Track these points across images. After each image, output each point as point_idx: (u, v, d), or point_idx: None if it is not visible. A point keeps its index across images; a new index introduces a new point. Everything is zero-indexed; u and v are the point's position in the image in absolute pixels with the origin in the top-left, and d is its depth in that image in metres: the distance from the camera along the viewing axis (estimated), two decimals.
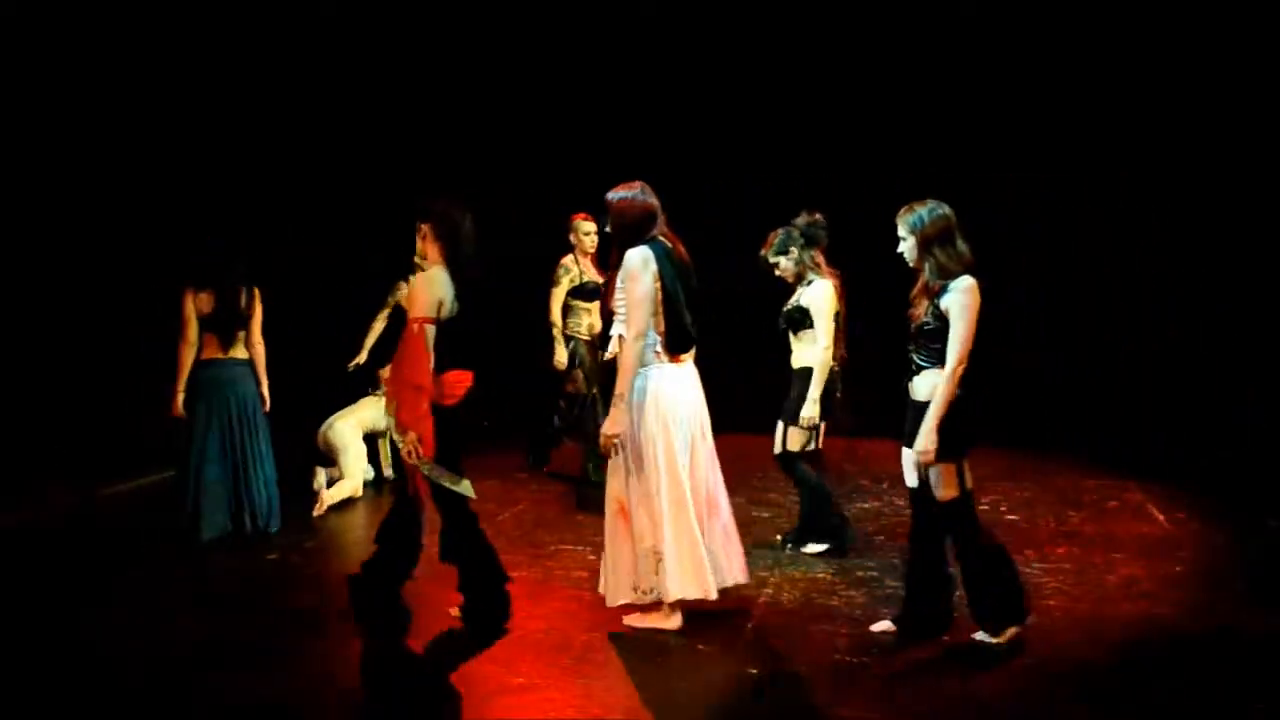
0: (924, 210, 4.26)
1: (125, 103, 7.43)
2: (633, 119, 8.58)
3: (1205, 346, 7.99)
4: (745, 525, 6.03)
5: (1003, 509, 6.56)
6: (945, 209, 4.28)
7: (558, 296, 6.87)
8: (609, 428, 4.32)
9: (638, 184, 4.43)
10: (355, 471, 6.78)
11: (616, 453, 4.37)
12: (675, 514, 4.31)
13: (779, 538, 5.76)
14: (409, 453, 4.28)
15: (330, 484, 6.77)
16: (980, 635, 4.34)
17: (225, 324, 5.80)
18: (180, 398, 5.80)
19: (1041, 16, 7.96)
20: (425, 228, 4.45)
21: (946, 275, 4.19)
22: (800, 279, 5.50)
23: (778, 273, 5.53)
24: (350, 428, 6.86)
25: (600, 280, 6.02)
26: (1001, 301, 7.99)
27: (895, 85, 8.40)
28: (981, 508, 6.40)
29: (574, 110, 8.68)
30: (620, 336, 4.37)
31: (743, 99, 8.60)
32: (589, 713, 3.83)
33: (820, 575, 5.28)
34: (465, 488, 4.45)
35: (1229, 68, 7.55)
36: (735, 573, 4.57)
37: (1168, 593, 5.05)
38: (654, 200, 4.40)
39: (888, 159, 8.22)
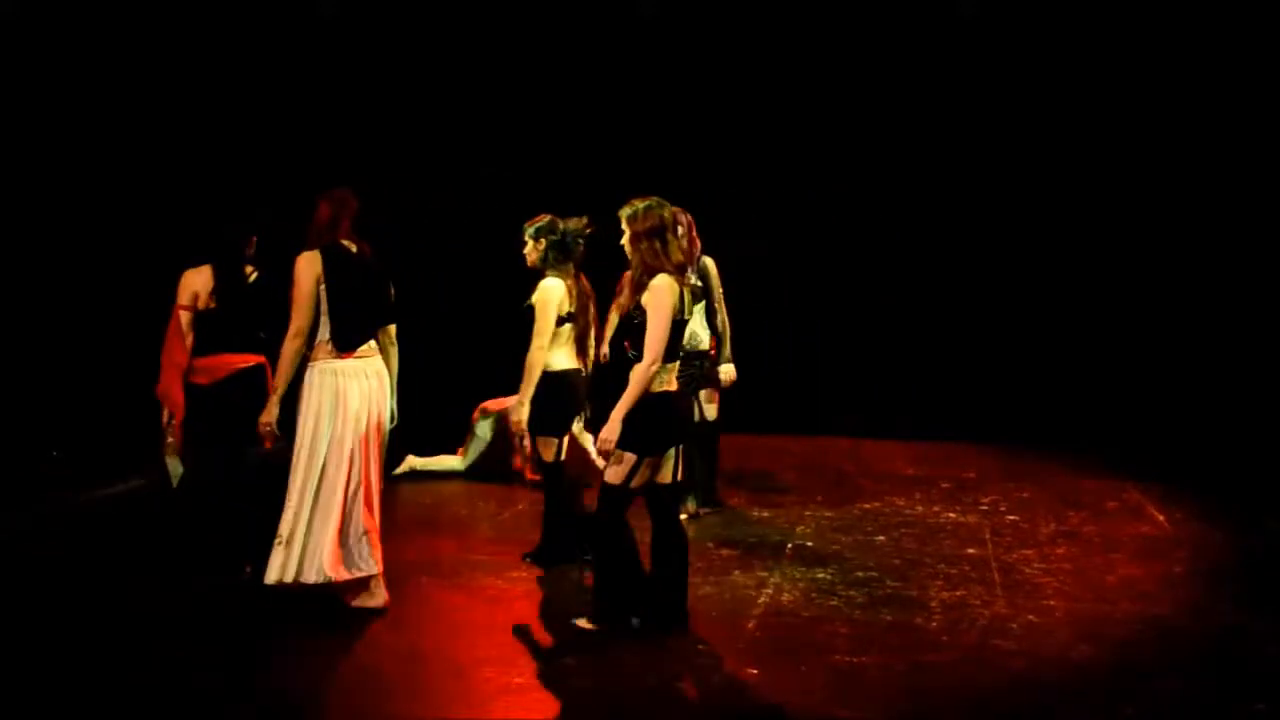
0: (641, 206, 4.30)
1: (125, 103, 7.45)
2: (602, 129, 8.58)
3: (1205, 345, 8.00)
4: (745, 524, 6.15)
5: (1002, 509, 6.56)
6: (662, 208, 4.30)
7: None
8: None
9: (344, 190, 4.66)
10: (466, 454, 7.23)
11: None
12: (315, 499, 4.50)
13: (524, 557, 5.42)
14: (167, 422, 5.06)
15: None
16: (581, 620, 4.46)
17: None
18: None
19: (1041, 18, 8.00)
20: None
21: (650, 271, 4.24)
22: (540, 273, 5.27)
23: (525, 251, 5.31)
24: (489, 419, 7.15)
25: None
26: (1001, 297, 8.39)
27: (889, 89, 8.44)
28: (980, 507, 6.53)
29: (570, 113, 8.66)
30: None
31: (742, 100, 8.60)
32: (590, 713, 3.82)
33: (820, 575, 5.28)
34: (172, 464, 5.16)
35: (1229, 68, 7.61)
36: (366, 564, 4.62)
37: (1167, 593, 5.06)
38: (343, 207, 4.59)
39: (886, 159, 8.28)
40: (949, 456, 7.94)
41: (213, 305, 4.94)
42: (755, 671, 4.13)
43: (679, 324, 4.27)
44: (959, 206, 8.35)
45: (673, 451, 4.36)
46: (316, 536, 4.47)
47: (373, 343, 4.66)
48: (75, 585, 5.04)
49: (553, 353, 5.08)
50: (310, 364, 4.56)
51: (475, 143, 8.48)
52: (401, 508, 6.39)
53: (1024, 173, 8.32)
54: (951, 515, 6.40)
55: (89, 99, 7.34)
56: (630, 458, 4.24)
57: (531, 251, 5.23)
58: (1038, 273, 8.43)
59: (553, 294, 5.07)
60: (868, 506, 6.61)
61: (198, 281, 5.00)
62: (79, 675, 4.10)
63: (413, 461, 7.23)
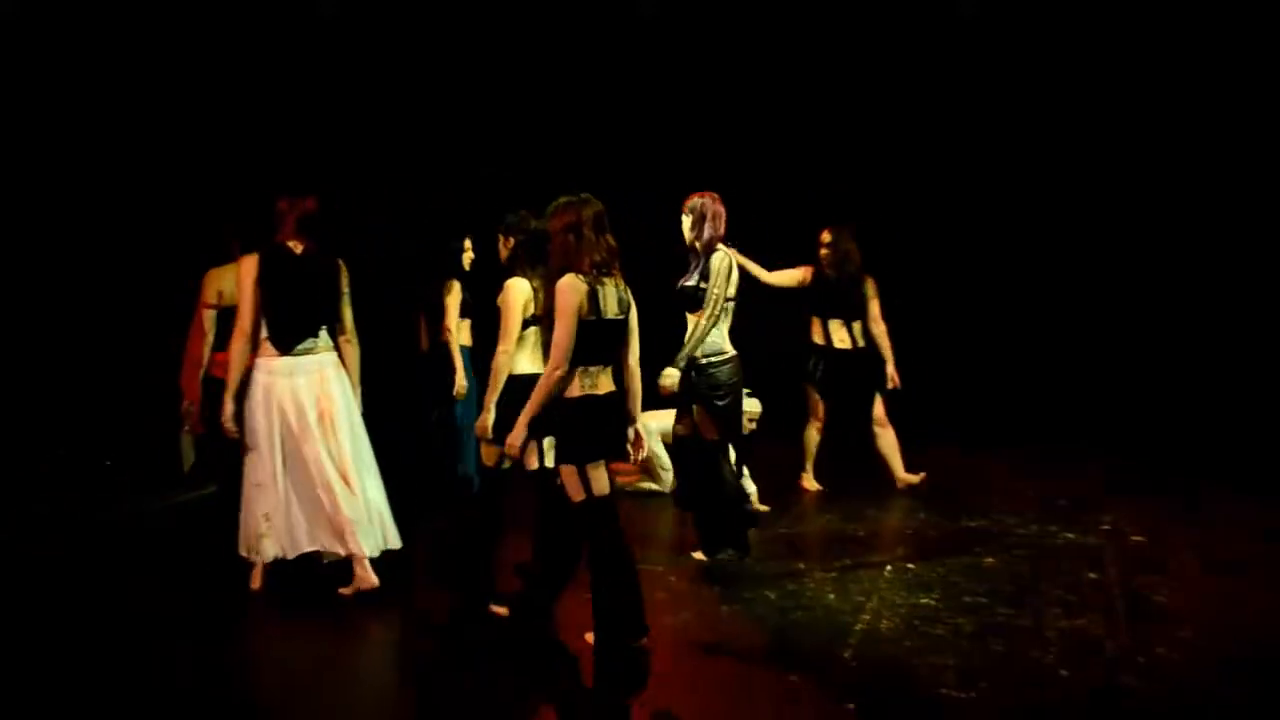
0: (562, 201, 4.19)
1: (125, 103, 7.56)
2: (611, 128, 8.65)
3: None
4: (840, 543, 5.79)
5: (1126, 528, 6.07)
6: (584, 205, 4.15)
7: None
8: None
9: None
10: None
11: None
12: (266, 487, 4.82)
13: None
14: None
15: None
16: (590, 634, 4.28)
17: None
18: None
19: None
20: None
21: (561, 270, 4.12)
22: (508, 270, 5.02)
23: (498, 248, 5.09)
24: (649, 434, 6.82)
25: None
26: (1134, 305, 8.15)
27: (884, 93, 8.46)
28: (1101, 527, 6.07)
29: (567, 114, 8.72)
30: None
31: (741, 102, 8.66)
32: None
33: (923, 601, 4.92)
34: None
35: (1230, 67, 7.53)
36: (324, 542, 4.86)
37: None
38: (292, 208, 4.80)
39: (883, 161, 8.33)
40: (1063, 468, 7.51)
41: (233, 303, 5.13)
42: (852, 707, 3.84)
43: (601, 324, 4.08)
44: (958, 207, 8.47)
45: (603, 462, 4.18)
46: (274, 519, 4.80)
47: (326, 340, 4.86)
48: (75, 586, 5.07)
49: (518, 356, 4.81)
50: (254, 362, 4.82)
51: (475, 143, 8.52)
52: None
53: (1024, 173, 8.29)
54: (1070, 535, 5.96)
55: (89, 99, 7.47)
56: (570, 469, 4.12)
57: (502, 248, 5.05)
58: (1129, 271, 8.36)
59: (517, 294, 4.81)
60: (975, 525, 6.20)
61: (222, 280, 5.42)
62: (64, 675, 4.07)
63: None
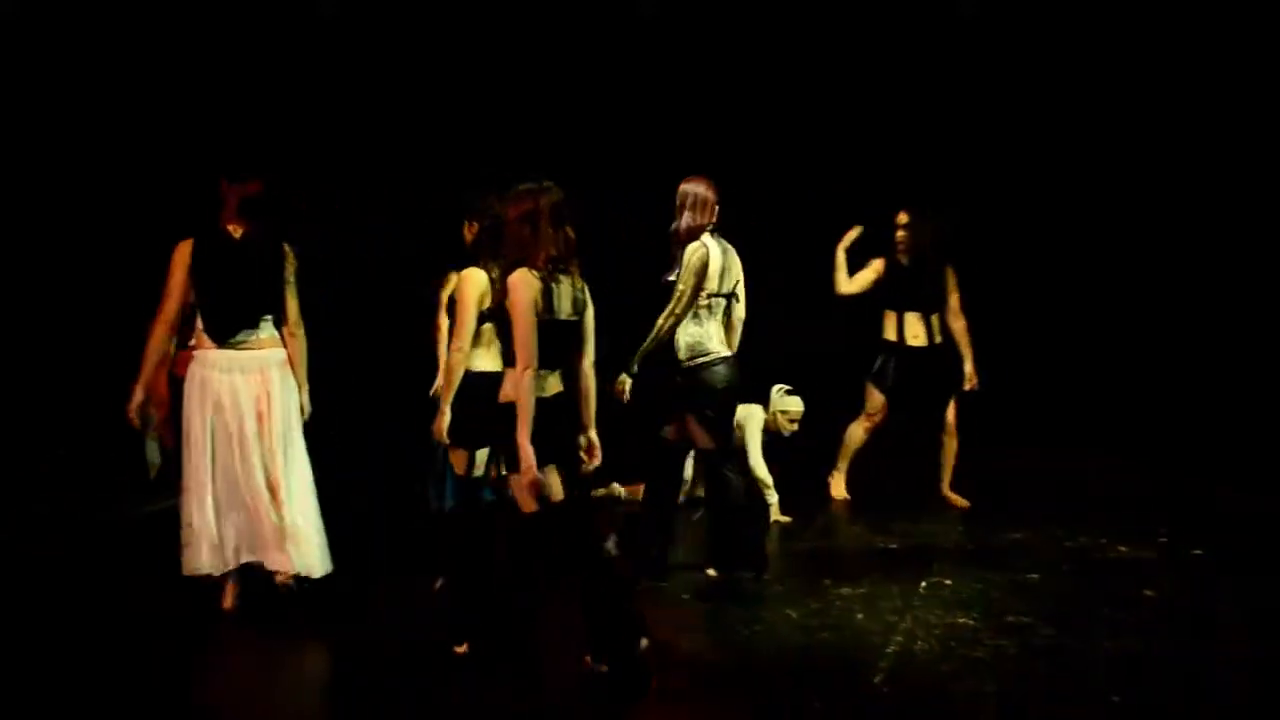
0: (521, 187, 3.91)
1: (126, 103, 7.62)
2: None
3: None
4: (869, 557, 5.54)
5: (1184, 540, 5.72)
6: (542, 193, 3.87)
7: None
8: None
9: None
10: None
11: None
12: (193, 492, 4.58)
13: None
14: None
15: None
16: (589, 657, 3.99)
17: None
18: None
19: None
20: None
21: (514, 264, 3.86)
22: (471, 258, 4.79)
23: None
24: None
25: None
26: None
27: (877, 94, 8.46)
28: (1158, 539, 5.75)
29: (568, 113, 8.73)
30: None
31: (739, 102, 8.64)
32: None
33: (961, 620, 4.61)
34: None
35: (1229, 66, 7.54)
36: (257, 553, 4.60)
37: None
38: (237, 189, 4.59)
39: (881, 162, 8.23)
40: (1112, 474, 7.22)
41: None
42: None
43: (553, 325, 3.87)
44: (957, 207, 8.12)
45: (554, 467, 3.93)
46: (198, 528, 4.53)
47: (271, 333, 4.62)
48: (75, 586, 5.05)
49: (475, 352, 4.57)
50: (193, 355, 4.65)
51: (475, 142, 8.48)
52: None
53: (1023, 173, 8.24)
54: (1122, 549, 5.65)
55: (89, 99, 7.54)
56: (516, 477, 3.86)
57: (467, 233, 4.84)
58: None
59: (471, 287, 4.54)
60: (1017, 536, 5.89)
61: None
62: (64, 675, 4.02)
63: (616, 489, 6.61)
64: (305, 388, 4.69)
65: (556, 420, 3.89)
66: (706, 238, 4.91)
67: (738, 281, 5.01)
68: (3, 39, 7.06)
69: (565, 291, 3.87)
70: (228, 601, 4.62)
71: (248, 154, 5.51)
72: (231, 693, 3.97)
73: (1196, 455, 7.35)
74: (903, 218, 6.33)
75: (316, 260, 8.16)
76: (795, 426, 6.21)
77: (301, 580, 4.62)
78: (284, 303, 4.64)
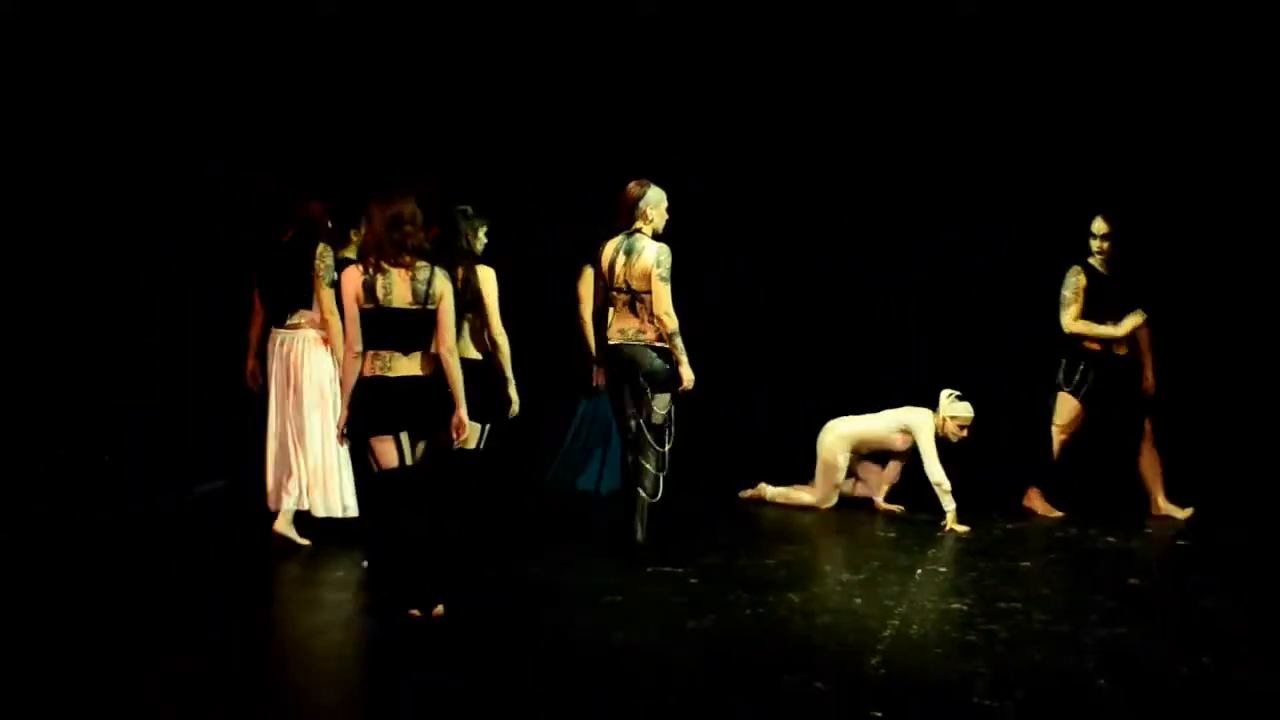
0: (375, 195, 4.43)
1: (125, 103, 7.60)
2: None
3: None
4: (868, 545, 5.67)
5: (1170, 531, 5.87)
6: (381, 204, 4.35)
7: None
8: None
9: None
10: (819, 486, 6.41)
11: None
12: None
13: None
14: None
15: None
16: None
17: None
18: None
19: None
20: None
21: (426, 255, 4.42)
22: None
23: None
24: (843, 440, 6.38)
25: None
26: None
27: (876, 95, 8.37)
28: (1144, 530, 5.90)
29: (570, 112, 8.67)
30: None
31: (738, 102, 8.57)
32: None
33: (955, 606, 4.75)
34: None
35: (1230, 66, 7.41)
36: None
37: None
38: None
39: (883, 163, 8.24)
40: (1105, 467, 7.11)
41: None
42: (880, 715, 3.66)
43: (382, 312, 4.34)
44: (959, 207, 8.28)
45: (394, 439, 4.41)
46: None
47: (313, 315, 5.49)
48: (75, 586, 5.04)
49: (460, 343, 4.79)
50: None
51: (475, 142, 8.50)
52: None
53: (1023, 173, 8.14)
54: (1110, 539, 5.79)
55: (89, 99, 7.51)
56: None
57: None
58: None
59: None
60: (1010, 526, 6.06)
61: None
62: (64, 675, 4.00)
63: (765, 490, 6.62)
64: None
65: (397, 397, 4.35)
66: (619, 239, 5.17)
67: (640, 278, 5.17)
68: (3, 39, 7.04)
69: (395, 283, 4.32)
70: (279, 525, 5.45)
71: (303, 172, 6.30)
72: (232, 692, 3.93)
73: (1190, 448, 7.43)
74: (1103, 226, 6.11)
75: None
76: (965, 433, 6.09)
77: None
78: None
